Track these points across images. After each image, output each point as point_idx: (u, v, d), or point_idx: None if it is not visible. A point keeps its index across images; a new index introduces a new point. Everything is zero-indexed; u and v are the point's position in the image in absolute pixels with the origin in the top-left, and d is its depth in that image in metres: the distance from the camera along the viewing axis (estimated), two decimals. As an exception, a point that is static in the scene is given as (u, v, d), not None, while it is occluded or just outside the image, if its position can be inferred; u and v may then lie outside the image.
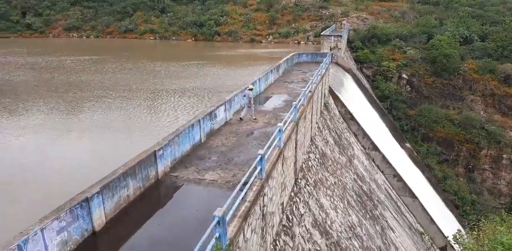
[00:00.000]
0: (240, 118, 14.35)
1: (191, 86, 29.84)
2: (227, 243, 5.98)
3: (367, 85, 39.37)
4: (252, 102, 14.42)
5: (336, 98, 25.75)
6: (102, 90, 28.42)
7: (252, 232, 7.73)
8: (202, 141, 12.37)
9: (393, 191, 25.63)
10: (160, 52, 52.55)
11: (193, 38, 61.33)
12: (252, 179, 7.87)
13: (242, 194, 7.12)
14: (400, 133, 36.24)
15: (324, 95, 23.15)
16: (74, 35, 65.03)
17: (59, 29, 65.85)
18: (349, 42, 45.19)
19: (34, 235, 6.29)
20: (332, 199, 14.92)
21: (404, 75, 42.38)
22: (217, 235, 5.67)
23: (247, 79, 31.66)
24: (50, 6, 68.78)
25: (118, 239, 7.41)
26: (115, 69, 37.30)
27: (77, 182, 12.59)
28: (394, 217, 21.88)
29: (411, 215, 25.74)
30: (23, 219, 10.66)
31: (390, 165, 26.16)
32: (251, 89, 14.66)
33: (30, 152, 16.91)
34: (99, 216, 7.64)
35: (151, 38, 62.89)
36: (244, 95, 14.48)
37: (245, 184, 7.62)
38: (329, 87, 25.44)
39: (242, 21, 62.12)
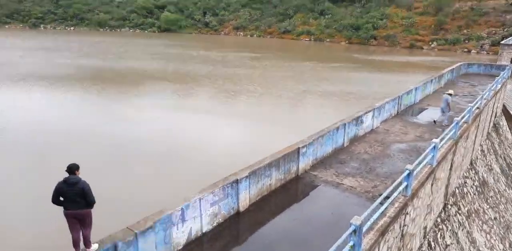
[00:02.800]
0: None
1: (337, 89, 29.74)
2: (360, 253, 5.89)
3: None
4: (449, 107, 13.82)
5: (510, 119, 21.98)
6: (251, 85, 30.92)
7: (388, 250, 7.43)
8: (345, 145, 12.33)
9: None
10: (312, 53, 53.78)
11: (347, 41, 60.72)
12: (395, 194, 7.53)
13: (382, 208, 6.89)
14: None
15: (495, 114, 20.05)
16: (241, 33, 72.15)
17: (230, 28, 74.06)
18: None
19: (194, 202, 7.44)
20: (488, 236, 12.94)
21: None
22: (351, 243, 5.65)
23: (400, 87, 29.72)
24: (225, 7, 77.87)
25: (257, 222, 8.12)
26: (266, 67, 39.97)
27: (221, 165, 14.25)
28: None
29: None
30: (182, 187, 12.62)
31: None
32: (450, 94, 13.98)
33: (190, 129, 19.74)
34: (244, 198, 8.51)
35: (306, 39, 64.93)
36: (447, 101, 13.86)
37: (386, 197, 7.36)
38: (503, 106, 21.88)
39: (403, 25, 58.33)
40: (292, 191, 9.58)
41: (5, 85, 29.78)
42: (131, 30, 76.33)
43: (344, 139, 12.24)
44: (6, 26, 75.71)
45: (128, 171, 14.31)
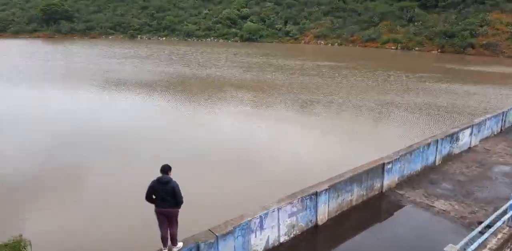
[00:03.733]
0: None
1: (425, 101, 27.60)
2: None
3: None
4: None
5: None
6: (329, 95, 30.19)
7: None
8: (436, 164, 11.29)
9: None
10: (398, 62, 50.95)
11: (438, 50, 56.43)
12: (498, 224, 6.62)
13: (483, 238, 6.09)
14: None
15: None
16: (321, 42, 71.45)
17: (310, 37, 73.80)
18: None
19: (272, 212, 7.35)
20: None
21: None
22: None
23: (504, 101, 26.65)
24: (307, 16, 77.89)
25: (335, 238, 7.74)
26: (346, 76, 38.80)
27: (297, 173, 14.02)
28: None
29: None
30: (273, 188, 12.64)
31: None
32: None
33: (272, 138, 19.87)
34: (323, 212, 8.18)
35: (393, 48, 61.85)
36: None
37: (487, 226, 6.50)
38: None
39: (508, 33, 52.41)
40: (374, 209, 8.99)
41: (108, 90, 33.21)
42: (215, 40, 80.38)
43: (435, 157, 11.23)
44: (110, 37, 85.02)
45: (204, 174, 14.79)
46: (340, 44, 68.48)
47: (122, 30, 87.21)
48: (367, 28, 67.49)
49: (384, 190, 9.53)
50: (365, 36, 65.77)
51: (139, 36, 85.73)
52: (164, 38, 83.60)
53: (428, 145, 11.06)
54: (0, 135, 20.70)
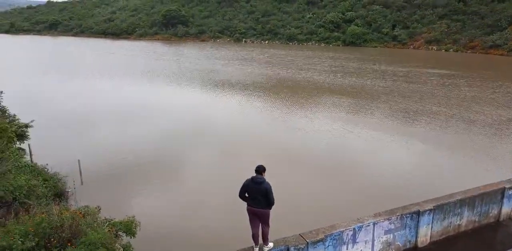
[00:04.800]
0: None
1: None
2: None
3: None
4: None
5: None
6: (435, 106, 27.52)
7: None
8: None
9: None
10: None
11: None
12: None
13: None
14: None
15: None
16: (434, 48, 65.77)
17: (421, 42, 68.49)
18: None
19: (367, 225, 6.96)
20: None
21: None
22: None
23: None
24: (418, 19, 72.47)
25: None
26: (458, 85, 34.97)
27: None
28: None
29: None
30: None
31: None
32: None
33: (367, 150, 18.94)
34: (425, 233, 7.47)
35: (523, 55, 53.96)
36: None
37: None
38: None
39: None
40: (488, 238, 7.89)
41: (206, 89, 35.52)
42: (316, 44, 79.93)
43: None
44: (218, 40, 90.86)
45: (299, 178, 14.74)
46: (456, 51, 62.08)
47: (229, 33, 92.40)
48: (492, 33, 59.91)
49: (502, 219, 8.31)
50: (488, 42, 58.48)
51: (244, 39, 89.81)
52: (267, 42, 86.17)
53: None
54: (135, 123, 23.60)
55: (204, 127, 22.74)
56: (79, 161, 15.09)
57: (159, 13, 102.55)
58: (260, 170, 6.89)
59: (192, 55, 64.64)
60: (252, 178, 6.84)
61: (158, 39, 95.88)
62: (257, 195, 6.73)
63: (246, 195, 6.83)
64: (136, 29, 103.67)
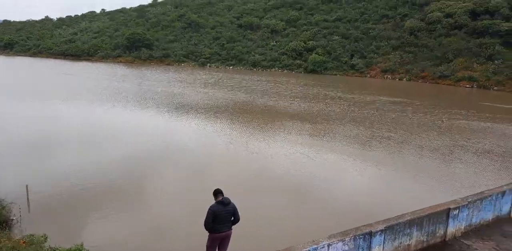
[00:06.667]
0: None
1: (494, 146, 25.19)
2: None
3: None
4: None
5: None
6: (387, 131, 28.90)
7: None
8: (511, 215, 10.08)
9: None
10: (472, 102, 47.65)
11: (521, 90, 52.06)
12: None
13: None
14: None
15: None
16: (389, 77, 69.65)
17: (377, 71, 72.42)
18: None
19: (322, 247, 6.99)
20: None
21: None
22: None
23: None
24: (374, 50, 77.00)
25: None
26: (410, 112, 36.99)
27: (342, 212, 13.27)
28: None
29: None
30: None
31: None
32: None
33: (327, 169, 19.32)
34: (376, 254, 7.60)
35: (467, 86, 58.23)
36: None
37: None
38: None
39: None
40: (435, 258, 8.14)
41: (166, 112, 35.18)
42: (279, 70, 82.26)
43: (511, 208, 10.04)
44: (182, 64, 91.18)
45: (253, 202, 14.65)
46: (409, 80, 66.12)
47: (194, 58, 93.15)
48: (440, 64, 64.64)
49: (447, 238, 8.64)
50: (437, 73, 62.89)
51: (208, 64, 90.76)
52: (231, 67, 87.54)
53: (503, 193, 9.97)
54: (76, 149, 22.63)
55: (162, 151, 22.34)
56: (27, 186, 14.19)
57: (123, 35, 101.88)
58: (221, 190, 6.87)
59: (155, 78, 64.22)
60: (221, 201, 6.77)
61: (121, 62, 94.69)
62: (227, 216, 6.67)
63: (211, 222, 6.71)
64: (98, 51, 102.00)
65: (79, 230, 12.39)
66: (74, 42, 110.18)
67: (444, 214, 8.67)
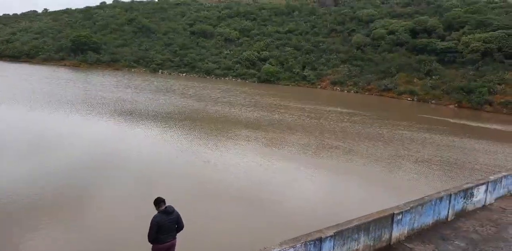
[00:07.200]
0: None
1: (433, 155, 27.03)
2: None
3: None
4: None
5: None
6: (335, 141, 30.00)
7: None
8: (449, 219, 10.69)
9: None
10: (412, 114, 50.94)
11: (456, 105, 56.53)
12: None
13: None
14: None
15: None
16: (338, 88, 72.54)
17: (327, 83, 75.18)
18: None
19: (270, 256, 6.87)
20: None
21: None
22: None
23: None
24: (324, 62, 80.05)
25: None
26: (355, 122, 38.68)
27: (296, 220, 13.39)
28: None
29: None
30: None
31: None
32: None
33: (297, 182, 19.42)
34: (325, 261, 7.63)
35: (409, 99, 62.26)
36: None
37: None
38: None
39: (526, 92, 52.47)
40: (381, 262, 8.36)
41: (113, 119, 33.71)
42: (233, 79, 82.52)
43: (448, 212, 10.66)
44: (133, 70, 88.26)
45: (204, 213, 14.29)
46: (356, 92, 69.33)
47: (145, 64, 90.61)
48: (384, 78, 68.58)
49: (392, 242, 8.94)
50: (382, 86, 66.65)
51: (160, 70, 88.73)
52: (184, 74, 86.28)
53: (441, 198, 10.56)
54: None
55: (109, 160, 21.22)
56: None
57: (67, 37, 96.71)
58: (163, 199, 6.57)
59: (102, 83, 61.46)
60: (164, 211, 6.48)
61: (66, 65, 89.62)
62: (171, 226, 6.42)
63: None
64: (40, 52, 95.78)
65: (15, 247, 11.28)
66: (12, 42, 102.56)
67: (389, 219, 8.96)
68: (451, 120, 45.14)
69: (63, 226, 13.01)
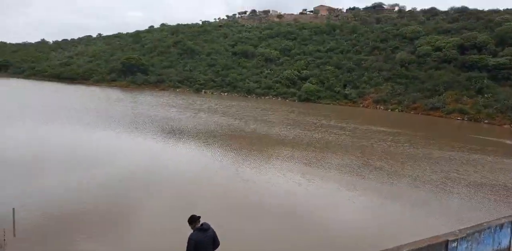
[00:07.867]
0: None
1: (488, 180, 24.96)
2: None
3: None
4: None
5: None
6: (379, 161, 28.68)
7: None
8: (511, 249, 9.63)
9: None
10: (463, 135, 47.95)
11: (511, 124, 52.75)
12: None
13: None
14: None
15: None
16: (381, 107, 70.49)
17: (369, 101, 73.39)
18: None
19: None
20: None
21: None
22: None
23: None
24: (367, 81, 78.49)
25: None
26: (401, 143, 36.97)
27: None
28: None
29: None
30: None
31: None
32: None
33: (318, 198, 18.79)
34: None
35: (458, 118, 58.95)
36: None
37: None
38: None
39: None
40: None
41: (158, 136, 34.73)
42: (273, 98, 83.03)
43: (510, 241, 9.63)
44: (177, 90, 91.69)
45: (242, 232, 14.01)
46: (401, 111, 66.91)
47: (189, 84, 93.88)
48: (431, 96, 65.75)
49: (447, 273, 8.14)
50: (429, 104, 63.81)
51: (203, 90, 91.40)
52: (226, 94, 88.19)
53: (502, 225, 9.58)
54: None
55: (153, 176, 21.71)
56: (13, 209, 13.42)
57: (118, 60, 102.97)
58: (198, 216, 6.47)
59: (150, 102, 64.19)
60: (200, 228, 6.37)
61: (116, 86, 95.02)
62: (208, 243, 6.28)
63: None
64: (93, 74, 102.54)
65: None
66: (69, 65, 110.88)
67: (442, 246, 8.22)
68: (507, 141, 41.94)
69: (102, 238, 13.27)
